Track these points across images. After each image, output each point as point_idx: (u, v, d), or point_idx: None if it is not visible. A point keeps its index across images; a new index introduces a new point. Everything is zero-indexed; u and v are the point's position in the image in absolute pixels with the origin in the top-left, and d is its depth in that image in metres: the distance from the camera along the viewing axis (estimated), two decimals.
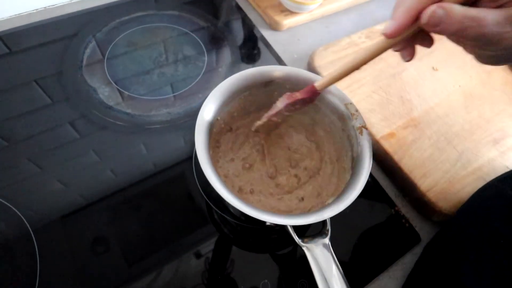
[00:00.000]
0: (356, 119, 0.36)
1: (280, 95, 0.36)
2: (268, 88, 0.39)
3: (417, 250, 0.42)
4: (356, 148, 0.35)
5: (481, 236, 0.31)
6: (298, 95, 0.35)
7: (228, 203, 0.40)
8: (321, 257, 0.30)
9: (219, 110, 0.37)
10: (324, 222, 0.33)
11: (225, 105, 0.37)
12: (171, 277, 0.37)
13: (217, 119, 0.37)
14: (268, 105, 0.38)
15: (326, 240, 0.31)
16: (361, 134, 0.35)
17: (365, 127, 0.35)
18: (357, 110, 0.37)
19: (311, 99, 0.35)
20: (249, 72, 0.38)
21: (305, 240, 0.31)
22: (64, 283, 0.35)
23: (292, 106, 0.35)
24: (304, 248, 0.30)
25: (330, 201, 0.34)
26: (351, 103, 0.37)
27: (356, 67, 0.30)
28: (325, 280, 0.28)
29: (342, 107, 0.37)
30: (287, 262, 0.40)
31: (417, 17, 0.25)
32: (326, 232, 0.32)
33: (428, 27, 0.25)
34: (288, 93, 0.36)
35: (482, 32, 0.23)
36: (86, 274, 0.36)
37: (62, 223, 0.39)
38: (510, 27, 0.23)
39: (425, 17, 0.24)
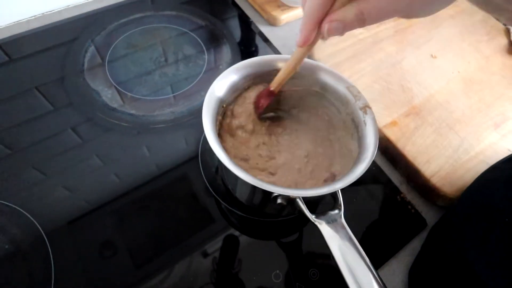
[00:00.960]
0: (359, 100, 0.37)
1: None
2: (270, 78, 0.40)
3: (424, 235, 0.42)
4: (362, 128, 0.36)
5: (485, 215, 0.32)
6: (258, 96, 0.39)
7: (236, 191, 0.41)
8: (336, 232, 0.29)
9: (226, 95, 0.37)
10: (336, 198, 0.33)
11: (232, 91, 0.38)
12: (180, 277, 0.37)
13: (223, 106, 0.38)
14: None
15: (340, 215, 0.31)
16: (366, 113, 0.36)
17: (368, 106, 0.36)
18: (359, 92, 0.38)
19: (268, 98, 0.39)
20: (262, 58, 0.39)
21: (318, 216, 0.30)
22: (78, 286, 0.36)
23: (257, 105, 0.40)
24: (317, 223, 0.30)
25: (340, 177, 0.34)
26: (352, 86, 0.38)
27: (291, 71, 0.36)
28: (343, 254, 0.28)
29: (344, 90, 0.38)
30: (296, 252, 0.40)
31: (318, 26, 0.28)
32: (339, 207, 0.32)
33: (332, 35, 0.28)
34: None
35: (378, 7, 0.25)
36: (95, 278, 0.36)
37: (69, 229, 0.39)
38: None
39: (325, 33, 0.28)
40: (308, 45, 0.31)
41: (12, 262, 0.36)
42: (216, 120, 0.36)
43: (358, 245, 0.29)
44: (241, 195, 0.41)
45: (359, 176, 0.31)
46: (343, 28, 0.27)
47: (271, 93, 0.39)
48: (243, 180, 0.29)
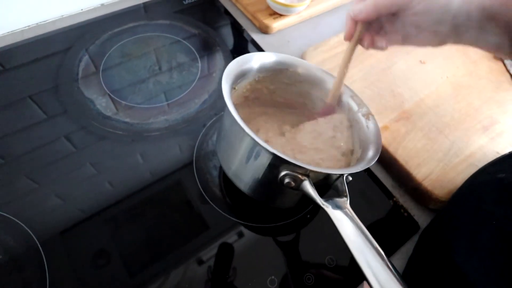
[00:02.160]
0: (362, 108, 0.40)
1: (291, 83, 0.43)
2: (281, 75, 0.43)
3: (417, 238, 0.43)
4: (365, 131, 0.38)
5: (474, 218, 0.32)
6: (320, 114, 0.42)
7: (241, 177, 0.38)
8: (344, 218, 0.29)
9: (237, 77, 0.39)
10: (342, 189, 0.33)
11: (244, 76, 0.40)
12: (175, 285, 0.37)
13: (234, 88, 0.39)
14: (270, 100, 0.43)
15: (347, 202, 0.31)
16: (368, 119, 0.39)
17: (371, 114, 0.39)
18: (362, 101, 0.41)
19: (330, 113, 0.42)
20: (276, 56, 0.42)
21: (326, 200, 0.30)
22: None
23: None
24: (324, 207, 0.30)
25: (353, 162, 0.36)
26: (356, 95, 0.41)
27: (345, 69, 0.39)
28: (352, 239, 0.28)
29: (348, 98, 0.42)
30: (292, 258, 0.40)
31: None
32: (345, 194, 0.32)
33: (356, 17, 0.35)
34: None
35: (393, 4, 0.32)
36: (90, 286, 0.36)
37: (63, 238, 0.39)
38: (413, 2, 0.32)
39: (349, 13, 0.36)
40: (352, 42, 0.37)
41: (6, 272, 0.36)
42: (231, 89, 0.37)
43: (365, 230, 0.28)
44: (244, 180, 0.37)
45: (375, 160, 0.33)
46: (363, 8, 0.34)
47: (330, 107, 0.42)
48: (254, 151, 0.31)
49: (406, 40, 0.35)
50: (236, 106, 0.40)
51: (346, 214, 0.29)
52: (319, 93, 0.43)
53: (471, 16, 0.30)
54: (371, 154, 0.34)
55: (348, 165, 0.38)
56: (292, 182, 0.31)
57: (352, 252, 0.27)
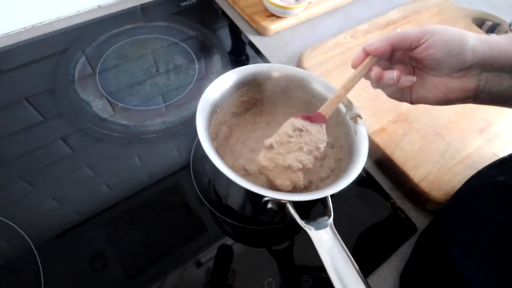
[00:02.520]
0: (350, 109, 0.38)
1: (277, 91, 0.42)
2: (264, 86, 0.41)
3: (414, 240, 0.43)
4: (353, 136, 0.37)
5: (472, 221, 0.32)
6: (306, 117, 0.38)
7: (228, 198, 0.41)
8: (325, 237, 0.30)
9: (220, 100, 0.38)
10: (325, 205, 0.33)
11: (224, 97, 0.39)
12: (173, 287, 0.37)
13: (216, 111, 0.38)
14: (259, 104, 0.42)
15: (330, 221, 0.31)
16: (356, 123, 0.37)
17: (359, 116, 0.37)
18: (350, 102, 0.39)
19: (320, 122, 0.38)
20: (253, 67, 0.40)
21: (308, 222, 0.31)
22: None
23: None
24: (306, 229, 0.30)
25: (330, 182, 0.34)
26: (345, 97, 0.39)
27: (347, 90, 0.36)
28: (332, 260, 0.28)
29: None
30: (289, 260, 0.40)
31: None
32: (329, 213, 0.32)
33: (366, 48, 0.34)
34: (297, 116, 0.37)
35: (404, 33, 0.32)
36: None
37: (59, 241, 0.38)
38: (427, 34, 0.31)
39: (364, 44, 0.34)
40: (358, 69, 0.35)
41: (1, 275, 0.36)
42: (210, 123, 0.37)
43: (347, 251, 0.29)
44: (233, 201, 0.40)
45: (349, 183, 0.31)
46: (377, 42, 0.34)
47: (322, 118, 0.37)
48: (234, 183, 0.29)
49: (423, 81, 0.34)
50: (225, 122, 0.41)
51: (326, 236, 0.30)
52: (306, 95, 0.42)
53: (495, 62, 0.30)
54: (352, 175, 0.32)
55: (337, 174, 0.38)
56: (274, 207, 0.32)
57: (330, 277, 0.28)
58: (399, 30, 0.34)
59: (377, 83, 0.36)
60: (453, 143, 0.49)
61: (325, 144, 0.36)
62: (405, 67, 0.36)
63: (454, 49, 0.31)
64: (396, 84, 0.34)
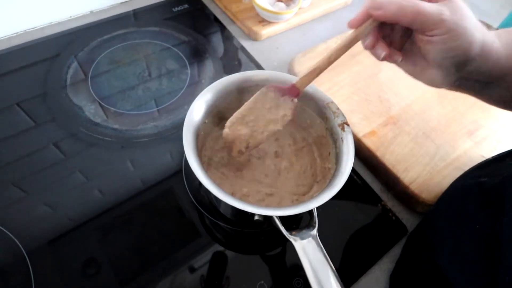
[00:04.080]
0: (337, 116, 0.38)
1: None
2: (248, 94, 0.41)
3: (405, 242, 0.43)
4: (340, 144, 0.37)
5: (457, 221, 0.33)
6: (278, 88, 0.36)
7: (219, 206, 0.41)
8: (309, 248, 0.30)
9: (206, 113, 0.38)
10: (311, 215, 0.34)
11: (211, 109, 0.39)
12: None
13: (205, 122, 0.38)
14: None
15: (314, 232, 0.32)
16: (343, 130, 0.37)
17: (346, 123, 0.37)
18: (338, 108, 0.39)
19: (292, 95, 0.36)
20: (235, 77, 0.40)
21: (293, 232, 0.32)
22: None
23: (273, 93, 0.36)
24: (291, 240, 0.31)
25: (315, 194, 0.35)
26: (332, 102, 0.39)
27: (331, 61, 0.33)
28: (314, 270, 0.29)
29: (324, 106, 0.40)
30: (281, 263, 0.40)
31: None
32: (314, 224, 0.33)
33: (372, 11, 0.28)
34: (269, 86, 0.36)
35: (420, 10, 0.27)
36: None
37: (51, 247, 0.38)
38: (446, 9, 0.27)
39: (368, 2, 0.28)
40: (354, 33, 0.30)
41: None
42: (197, 136, 0.37)
43: (329, 262, 0.30)
44: (224, 210, 0.42)
45: (332, 196, 0.31)
46: (385, 2, 0.28)
47: (295, 91, 0.35)
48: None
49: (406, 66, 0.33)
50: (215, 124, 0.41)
51: (310, 247, 0.31)
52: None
53: (482, 68, 0.29)
54: (336, 187, 0.32)
55: (322, 183, 0.38)
56: (261, 219, 0.33)
57: (311, 285, 0.29)
58: None
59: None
60: (443, 145, 0.49)
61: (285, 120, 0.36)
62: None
63: (452, 58, 0.29)
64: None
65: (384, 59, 0.31)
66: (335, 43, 0.61)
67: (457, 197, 0.36)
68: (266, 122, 0.36)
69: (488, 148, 0.50)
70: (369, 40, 0.31)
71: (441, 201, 0.39)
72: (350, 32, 0.31)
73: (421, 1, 0.27)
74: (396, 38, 0.32)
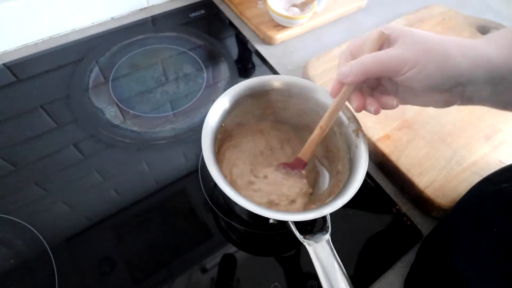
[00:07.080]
0: (352, 122, 0.38)
1: (278, 101, 0.42)
2: (267, 97, 0.42)
3: (419, 246, 0.43)
4: (354, 150, 0.37)
5: (475, 226, 0.33)
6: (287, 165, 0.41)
7: (235, 207, 0.42)
8: (322, 252, 0.31)
9: (224, 116, 0.39)
10: (324, 220, 0.34)
11: (228, 112, 0.40)
12: None
13: (222, 125, 0.39)
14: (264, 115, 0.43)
15: (327, 236, 0.32)
16: (357, 137, 0.37)
17: (361, 129, 0.37)
18: (353, 115, 0.39)
19: (299, 167, 0.40)
20: (252, 81, 0.41)
21: (306, 236, 0.32)
22: None
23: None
24: (305, 244, 0.32)
25: (329, 200, 0.35)
26: (347, 108, 0.39)
27: (323, 130, 0.36)
28: (327, 274, 0.30)
29: (339, 113, 0.40)
30: (295, 265, 0.41)
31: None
32: (327, 228, 0.33)
33: (343, 79, 0.32)
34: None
35: (381, 61, 0.29)
36: None
37: (69, 244, 0.40)
38: (403, 46, 0.29)
39: (337, 73, 0.32)
40: (337, 99, 0.34)
41: (18, 275, 0.37)
42: (215, 140, 0.38)
43: (342, 268, 0.30)
44: (240, 211, 0.43)
45: (346, 201, 0.32)
46: (351, 71, 0.31)
47: (301, 163, 0.39)
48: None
49: (404, 100, 0.34)
50: (230, 131, 0.43)
51: (323, 252, 0.31)
52: (313, 105, 0.42)
53: (478, 80, 0.28)
54: (350, 192, 0.32)
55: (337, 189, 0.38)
56: (276, 222, 0.34)
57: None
58: (381, 28, 0.31)
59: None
60: (459, 150, 0.49)
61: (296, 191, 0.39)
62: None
63: (435, 82, 0.29)
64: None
65: (376, 112, 0.33)
66: None
67: (476, 202, 0.35)
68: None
69: (506, 153, 0.49)
70: (355, 104, 0.33)
71: (459, 206, 0.38)
72: (334, 100, 0.35)
73: (380, 52, 0.30)
74: (387, 84, 0.34)
